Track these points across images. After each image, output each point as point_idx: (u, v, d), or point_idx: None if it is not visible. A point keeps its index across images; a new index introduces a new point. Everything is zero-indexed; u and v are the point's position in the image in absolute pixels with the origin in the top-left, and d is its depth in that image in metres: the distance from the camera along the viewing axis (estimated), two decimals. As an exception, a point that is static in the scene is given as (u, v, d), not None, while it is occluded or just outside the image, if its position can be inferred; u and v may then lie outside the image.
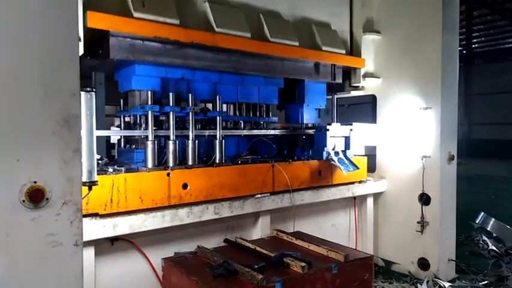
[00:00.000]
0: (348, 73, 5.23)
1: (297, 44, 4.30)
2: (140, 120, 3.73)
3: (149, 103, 3.44)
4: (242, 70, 4.06)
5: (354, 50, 5.21)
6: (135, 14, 3.24)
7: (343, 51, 4.85)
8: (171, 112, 3.51)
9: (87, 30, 2.99)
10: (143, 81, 3.56)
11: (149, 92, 3.49)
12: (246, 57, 4.02)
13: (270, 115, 4.73)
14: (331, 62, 4.75)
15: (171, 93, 3.57)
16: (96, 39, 3.25)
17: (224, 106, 4.21)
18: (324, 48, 4.60)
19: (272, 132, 4.58)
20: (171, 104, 3.53)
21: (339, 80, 4.98)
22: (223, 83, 4.06)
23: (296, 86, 4.86)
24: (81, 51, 2.91)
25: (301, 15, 4.62)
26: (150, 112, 3.40)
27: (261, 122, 4.63)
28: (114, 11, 3.19)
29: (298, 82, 4.80)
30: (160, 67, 3.64)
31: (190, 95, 3.69)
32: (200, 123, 4.09)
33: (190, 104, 3.64)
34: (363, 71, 5.15)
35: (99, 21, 3.01)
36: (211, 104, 4.22)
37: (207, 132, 3.90)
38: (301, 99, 4.83)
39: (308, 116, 4.88)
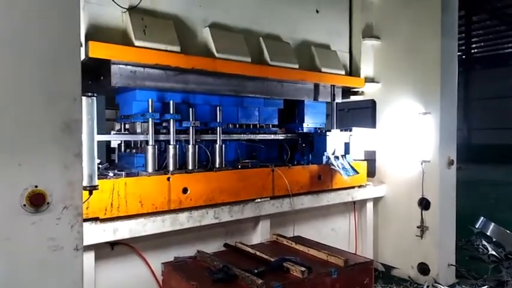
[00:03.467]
0: (348, 92, 5.31)
1: (296, 66, 4.36)
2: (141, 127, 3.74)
3: (150, 110, 3.45)
4: (242, 93, 4.13)
5: (353, 69, 5.28)
6: (136, 43, 3.29)
7: (343, 72, 4.92)
8: (172, 119, 3.53)
9: (88, 59, 3.02)
10: (144, 107, 3.57)
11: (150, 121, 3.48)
12: (246, 80, 4.08)
13: None
14: (331, 83, 4.80)
15: (171, 101, 3.57)
16: (98, 66, 3.30)
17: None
18: (323, 69, 4.67)
19: (272, 137, 4.59)
20: (171, 112, 3.54)
21: (338, 100, 5.06)
22: (223, 105, 4.06)
23: (296, 106, 4.91)
24: (82, 57, 2.93)
25: (301, 37, 4.69)
26: (150, 120, 3.42)
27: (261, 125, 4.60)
28: (115, 39, 3.24)
29: (298, 102, 4.85)
30: (161, 92, 3.68)
31: (191, 109, 3.68)
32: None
33: (191, 119, 3.65)
34: (362, 75, 5.18)
35: (101, 51, 3.06)
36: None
37: (207, 138, 3.92)
38: (300, 119, 4.88)
39: None
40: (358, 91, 5.29)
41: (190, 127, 3.63)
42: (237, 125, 4.31)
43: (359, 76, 5.19)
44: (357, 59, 5.25)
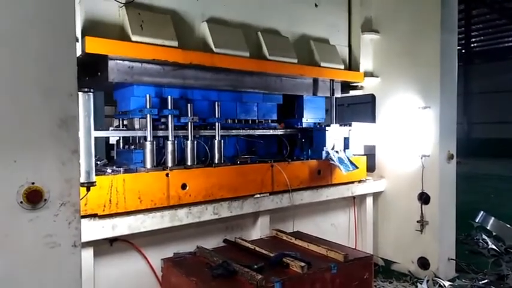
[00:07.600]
0: (347, 86, 5.28)
1: (295, 61, 4.34)
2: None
3: (148, 106, 3.43)
4: (241, 88, 4.10)
5: (352, 64, 5.25)
6: (133, 38, 3.26)
7: (342, 66, 4.90)
8: (170, 115, 3.51)
9: (85, 54, 2.99)
10: (142, 103, 3.54)
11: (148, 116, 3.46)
12: (244, 75, 4.06)
13: None
14: (330, 78, 4.78)
15: (169, 97, 3.55)
16: (95, 62, 3.27)
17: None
18: (322, 64, 4.66)
19: (271, 132, 4.57)
20: (169, 108, 3.52)
21: (338, 95, 5.04)
22: (222, 100, 4.05)
23: (295, 101, 4.89)
24: (78, 52, 2.91)
25: (300, 31, 4.67)
26: (148, 115, 3.40)
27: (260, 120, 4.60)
28: (112, 34, 3.22)
29: (297, 97, 4.84)
30: (158, 87, 3.65)
31: (189, 105, 3.66)
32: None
33: (189, 115, 3.63)
34: (361, 70, 5.16)
35: (98, 46, 3.03)
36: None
37: (205, 133, 3.90)
38: (300, 114, 4.87)
39: None
40: (357, 86, 5.28)
41: (189, 122, 3.62)
42: (236, 120, 4.29)
43: (358, 70, 5.17)
44: (356, 53, 5.23)
